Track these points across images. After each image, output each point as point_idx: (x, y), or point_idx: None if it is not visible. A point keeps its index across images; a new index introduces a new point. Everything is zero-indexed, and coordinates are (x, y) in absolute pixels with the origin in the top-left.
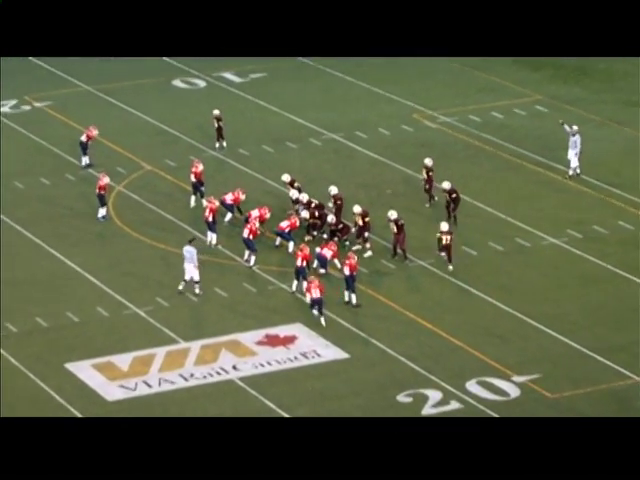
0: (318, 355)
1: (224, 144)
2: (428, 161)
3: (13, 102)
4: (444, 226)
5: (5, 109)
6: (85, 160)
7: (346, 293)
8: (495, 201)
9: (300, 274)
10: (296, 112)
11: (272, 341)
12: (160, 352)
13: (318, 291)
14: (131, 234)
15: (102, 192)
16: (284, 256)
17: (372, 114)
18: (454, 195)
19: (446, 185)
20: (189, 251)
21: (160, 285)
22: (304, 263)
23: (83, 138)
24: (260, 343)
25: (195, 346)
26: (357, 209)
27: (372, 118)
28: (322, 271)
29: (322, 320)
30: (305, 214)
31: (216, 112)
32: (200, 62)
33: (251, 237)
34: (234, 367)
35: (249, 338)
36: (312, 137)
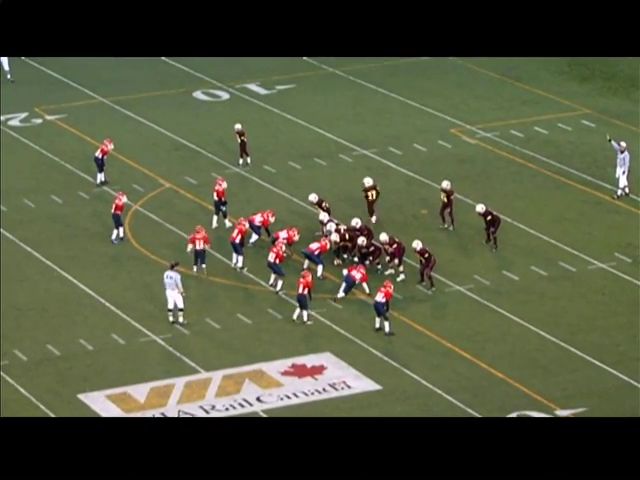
0: (348, 387)
1: (248, 160)
2: (446, 184)
3: (23, 115)
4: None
5: (15, 122)
6: (100, 177)
7: (377, 320)
8: (539, 222)
9: (300, 302)
10: (325, 126)
11: (299, 371)
12: (179, 382)
13: (302, 288)
14: (149, 256)
15: (118, 212)
16: (314, 281)
17: (407, 128)
18: (489, 217)
19: (480, 208)
20: (171, 277)
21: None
22: (305, 291)
23: (98, 154)
24: (286, 373)
25: (217, 376)
26: (384, 237)
27: (407, 133)
28: (341, 295)
29: (304, 315)
30: (335, 237)
31: (238, 127)
32: (223, 72)
33: (277, 261)
34: (258, 399)
35: (274, 368)
36: (342, 153)
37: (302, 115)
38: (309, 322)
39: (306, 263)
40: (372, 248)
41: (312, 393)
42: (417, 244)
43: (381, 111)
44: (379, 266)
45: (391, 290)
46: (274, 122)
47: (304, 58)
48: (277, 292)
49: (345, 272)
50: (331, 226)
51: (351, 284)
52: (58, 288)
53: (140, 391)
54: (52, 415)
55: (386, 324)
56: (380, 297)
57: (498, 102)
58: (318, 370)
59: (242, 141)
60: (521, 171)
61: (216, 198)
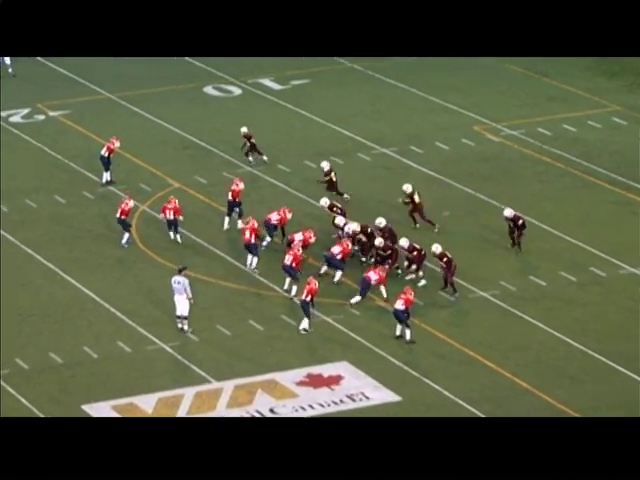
0: (366, 397)
1: (264, 158)
2: (406, 187)
3: (26, 111)
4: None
5: (17, 118)
6: (106, 176)
7: (398, 327)
8: (567, 225)
9: (303, 309)
10: (342, 123)
11: (314, 381)
12: (189, 393)
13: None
14: (156, 259)
15: (123, 217)
16: (330, 286)
17: (428, 126)
18: (520, 221)
19: (508, 213)
20: (179, 282)
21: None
22: (308, 297)
23: (104, 152)
24: (301, 383)
25: (228, 386)
26: (404, 243)
27: (428, 130)
28: (356, 299)
29: (304, 323)
30: (356, 227)
31: (244, 130)
32: (235, 67)
33: (294, 264)
34: (271, 410)
35: (289, 378)
36: (360, 152)
37: (318, 111)
38: (308, 330)
39: (324, 268)
40: (389, 251)
41: (328, 404)
42: (436, 248)
43: (401, 107)
44: (399, 270)
45: (411, 297)
46: (288, 119)
47: None
48: (292, 298)
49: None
50: (349, 227)
51: (367, 286)
52: (61, 292)
53: (147, 402)
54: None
55: (407, 332)
56: (400, 304)
57: (523, 98)
58: (335, 380)
59: (252, 144)
60: (548, 171)
61: (230, 198)
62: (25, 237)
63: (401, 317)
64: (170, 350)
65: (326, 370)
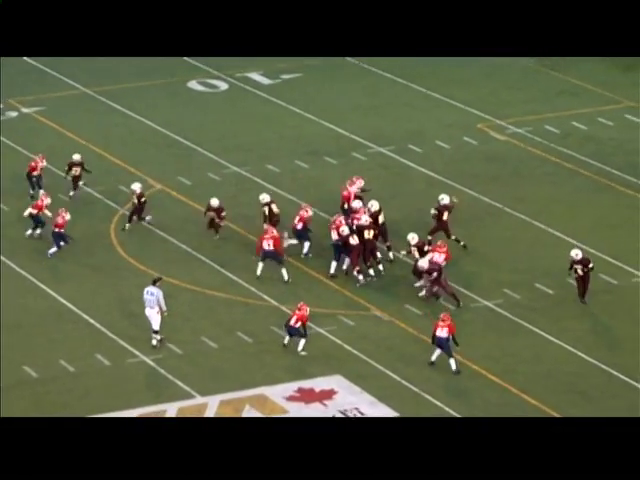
0: (361, 414)
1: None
2: (214, 201)
3: None
4: (575, 252)
5: None
6: (31, 191)
7: (436, 352)
8: (577, 229)
9: (290, 333)
10: (336, 120)
11: (306, 396)
12: (171, 409)
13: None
14: (137, 267)
15: (58, 230)
16: (323, 296)
17: (428, 123)
18: (591, 265)
19: (575, 254)
20: (152, 293)
21: (172, 328)
22: (298, 324)
23: (28, 170)
24: (291, 398)
25: (213, 402)
26: (413, 238)
27: (428, 128)
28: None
29: (300, 345)
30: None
31: (77, 157)
32: (221, 60)
33: (276, 247)
34: None
35: (278, 392)
36: (355, 151)
37: (310, 108)
38: (302, 352)
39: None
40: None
41: None
42: (412, 237)
43: (399, 103)
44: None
45: (452, 323)
46: (278, 115)
47: None
48: (286, 281)
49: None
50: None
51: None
52: (35, 303)
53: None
54: None
55: (452, 361)
56: (444, 332)
57: (531, 93)
58: (327, 395)
59: (78, 176)
60: (557, 171)
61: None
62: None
63: (444, 345)
64: (152, 363)
65: (318, 384)
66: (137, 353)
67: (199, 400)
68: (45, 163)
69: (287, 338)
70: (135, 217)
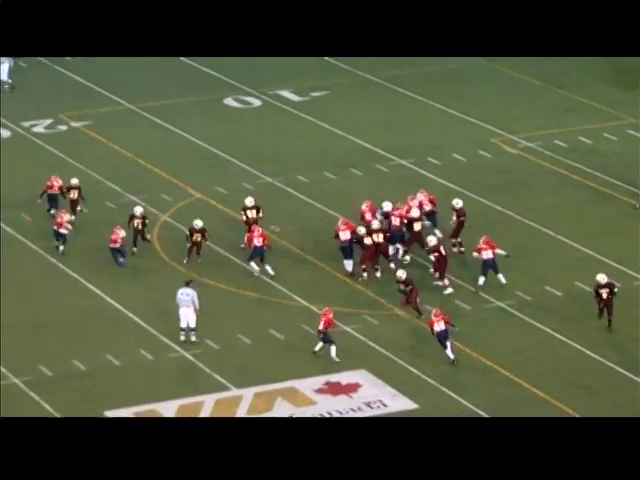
0: (384, 405)
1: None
2: (198, 222)
3: (48, 121)
4: (602, 277)
5: (39, 129)
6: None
7: (449, 350)
8: (583, 236)
9: (325, 341)
10: (361, 134)
11: (333, 389)
12: (209, 400)
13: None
14: (177, 269)
15: (60, 228)
16: (348, 294)
17: (445, 138)
18: (615, 289)
19: (602, 279)
20: (188, 294)
21: (208, 326)
22: (326, 328)
23: (52, 189)
24: (320, 391)
25: (248, 394)
26: (432, 240)
27: (445, 142)
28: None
29: (333, 352)
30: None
31: (75, 181)
32: (255, 78)
33: (265, 243)
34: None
35: (308, 385)
36: (379, 163)
37: (337, 123)
38: (336, 359)
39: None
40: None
41: (347, 412)
42: (431, 240)
43: (418, 119)
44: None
45: (445, 315)
46: (308, 130)
47: (339, 64)
48: (272, 276)
49: (476, 254)
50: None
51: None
52: (83, 302)
53: (168, 408)
54: None
55: (449, 352)
56: (442, 325)
57: (540, 110)
58: (353, 388)
59: (76, 199)
60: (564, 182)
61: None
62: (46, 246)
63: (446, 337)
64: (191, 358)
65: (344, 378)
66: (177, 348)
67: (235, 392)
68: (61, 182)
69: (319, 345)
70: (140, 238)
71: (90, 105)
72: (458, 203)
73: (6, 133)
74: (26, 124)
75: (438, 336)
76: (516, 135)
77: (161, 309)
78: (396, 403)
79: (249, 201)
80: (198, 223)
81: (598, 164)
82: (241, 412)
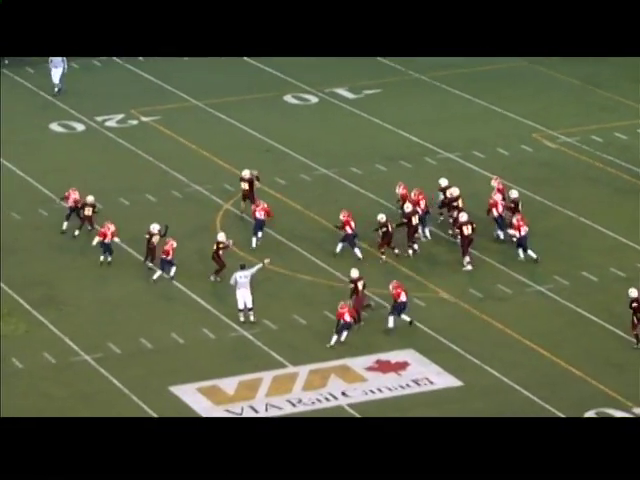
0: (430, 382)
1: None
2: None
3: (120, 116)
4: (631, 290)
5: (112, 123)
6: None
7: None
8: (617, 225)
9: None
10: (411, 130)
11: (383, 367)
12: (267, 377)
13: (349, 316)
14: (238, 253)
15: (104, 240)
16: (398, 279)
17: (490, 133)
18: None
19: (630, 292)
20: (245, 276)
21: (267, 308)
22: (350, 319)
23: (70, 203)
24: (370, 369)
25: (303, 371)
26: (463, 217)
27: (490, 137)
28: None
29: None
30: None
31: (246, 173)
32: (313, 77)
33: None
34: (343, 393)
35: (359, 364)
36: (427, 156)
37: (388, 119)
38: (333, 345)
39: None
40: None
41: (395, 388)
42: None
43: (465, 116)
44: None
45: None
46: (361, 125)
47: (391, 64)
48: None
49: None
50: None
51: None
52: (150, 285)
53: (229, 384)
54: (144, 406)
55: (391, 319)
56: (404, 297)
57: (578, 108)
58: (401, 366)
59: (251, 188)
60: (600, 175)
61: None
62: (118, 233)
63: (405, 307)
64: (251, 337)
65: (394, 357)
66: (237, 328)
67: (291, 369)
68: (77, 195)
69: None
70: (150, 258)
71: (159, 101)
72: (513, 193)
73: (81, 127)
74: (99, 118)
75: (401, 306)
76: (555, 131)
77: (224, 291)
78: (442, 380)
79: (245, 173)
80: (155, 227)
81: (632, 158)
82: (297, 388)
